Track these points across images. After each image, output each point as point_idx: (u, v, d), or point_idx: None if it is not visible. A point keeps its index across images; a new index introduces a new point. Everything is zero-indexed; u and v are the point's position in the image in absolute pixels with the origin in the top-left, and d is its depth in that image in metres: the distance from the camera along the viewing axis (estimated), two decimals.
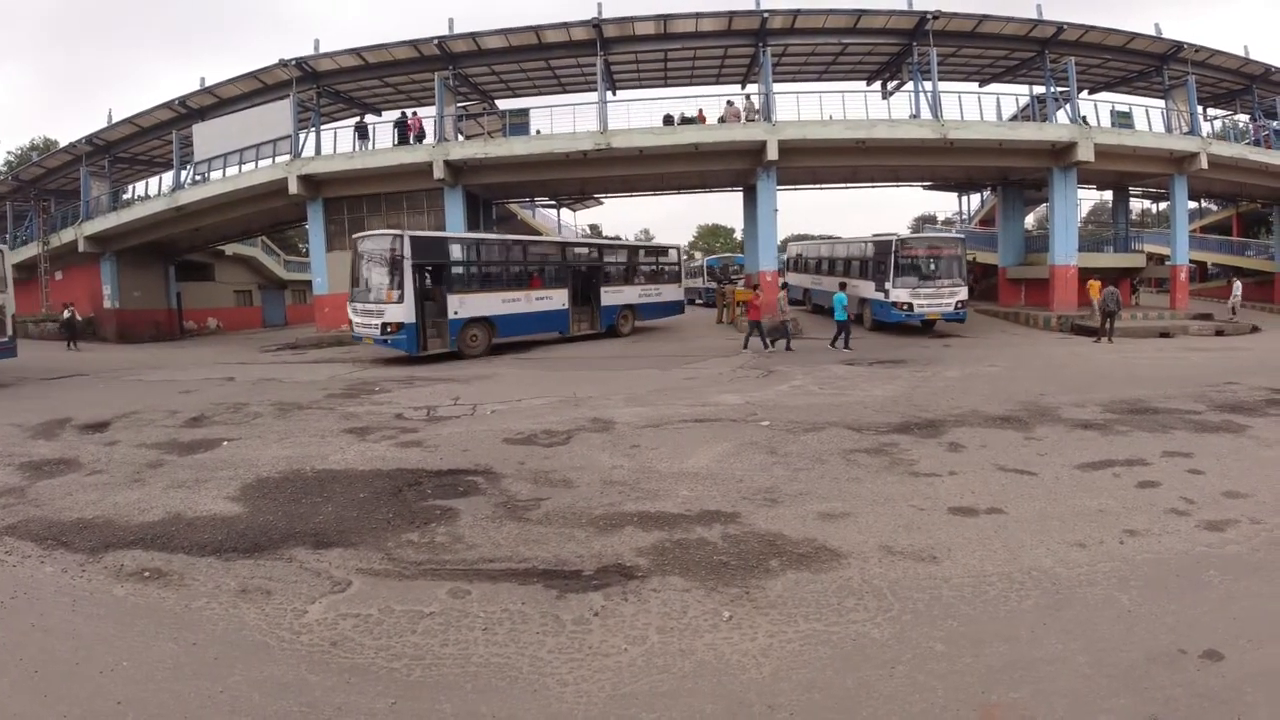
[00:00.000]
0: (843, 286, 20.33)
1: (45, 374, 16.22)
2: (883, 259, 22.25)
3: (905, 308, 21.53)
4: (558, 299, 20.83)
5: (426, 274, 17.56)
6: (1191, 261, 29.81)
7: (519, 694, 3.19)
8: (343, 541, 5.09)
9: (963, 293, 21.98)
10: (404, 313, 16.55)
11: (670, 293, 25.86)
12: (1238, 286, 26.49)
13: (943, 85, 24.30)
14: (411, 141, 25.82)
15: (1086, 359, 15.45)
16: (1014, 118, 27.40)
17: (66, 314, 25.35)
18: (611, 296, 22.87)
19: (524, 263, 20.66)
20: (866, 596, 4.05)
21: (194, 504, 6.07)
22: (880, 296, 22.34)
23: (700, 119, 25.19)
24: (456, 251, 18.86)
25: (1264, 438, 7.70)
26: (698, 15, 23.44)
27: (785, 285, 26.25)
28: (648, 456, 7.32)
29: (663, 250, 27.66)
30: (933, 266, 22.08)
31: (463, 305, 17.87)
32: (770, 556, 4.63)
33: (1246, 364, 14.03)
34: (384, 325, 16.68)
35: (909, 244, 22.48)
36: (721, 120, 25.12)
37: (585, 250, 23.93)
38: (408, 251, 16.56)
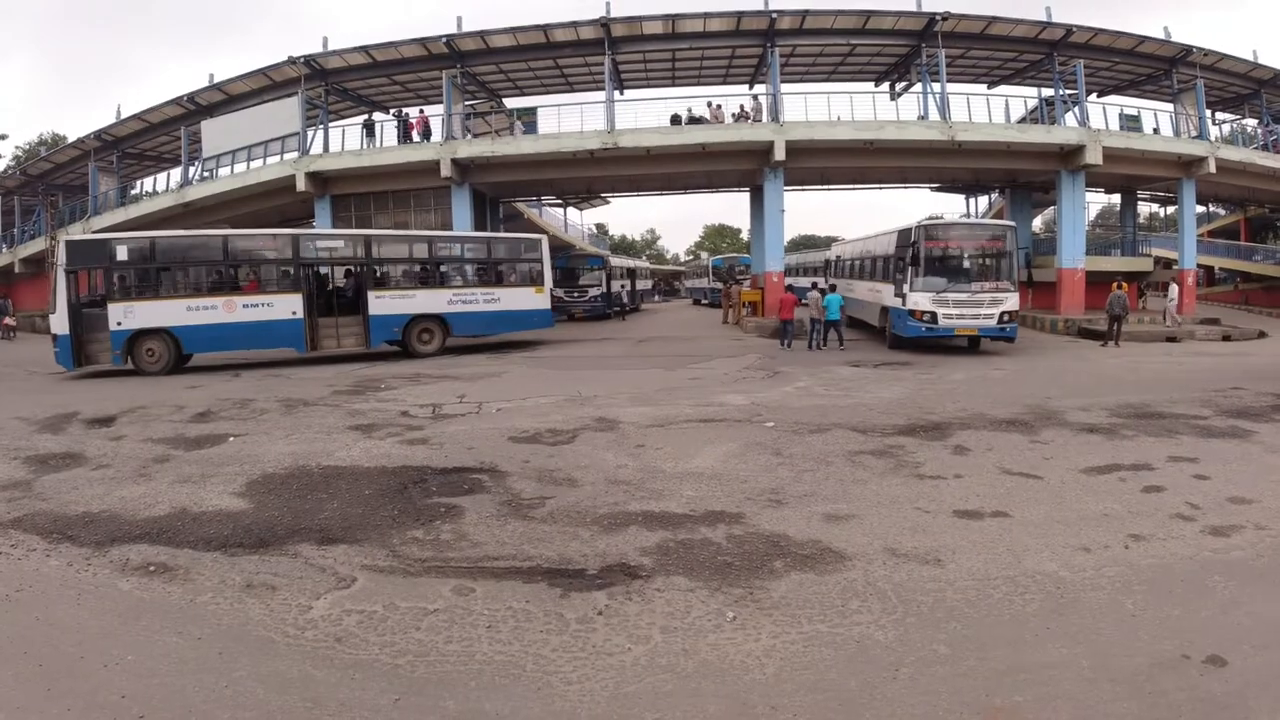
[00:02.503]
0: (833, 288, 19.73)
1: (51, 368, 16.26)
2: (902, 254, 17.23)
3: (926, 318, 16.34)
4: (283, 306, 16.56)
5: (98, 281, 16.11)
6: (1199, 266, 29.62)
7: (522, 691, 3.20)
8: (348, 538, 5.10)
9: (1011, 300, 16.52)
10: (58, 324, 15.09)
11: (520, 299, 19.25)
12: (1173, 290, 24.06)
13: (951, 87, 24.30)
14: (416, 139, 25.90)
15: (1093, 363, 15.41)
16: (1022, 120, 27.35)
17: None
18: (392, 303, 17.71)
19: (224, 262, 16.83)
20: (870, 599, 4.05)
21: (200, 499, 6.09)
22: (898, 303, 17.26)
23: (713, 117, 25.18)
24: (121, 253, 16.06)
25: (1270, 443, 7.67)
26: (706, 15, 23.47)
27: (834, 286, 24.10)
28: (652, 456, 7.33)
29: (517, 241, 21.31)
30: (968, 264, 17.08)
31: (129, 315, 15.53)
32: (774, 557, 4.63)
33: (1253, 369, 13.96)
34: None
35: (935, 232, 17.13)
36: (697, 120, 25.04)
37: (338, 243, 18.52)
38: (62, 258, 15.23)
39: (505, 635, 3.71)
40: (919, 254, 16.49)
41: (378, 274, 17.98)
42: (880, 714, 3.00)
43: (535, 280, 19.57)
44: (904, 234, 17.39)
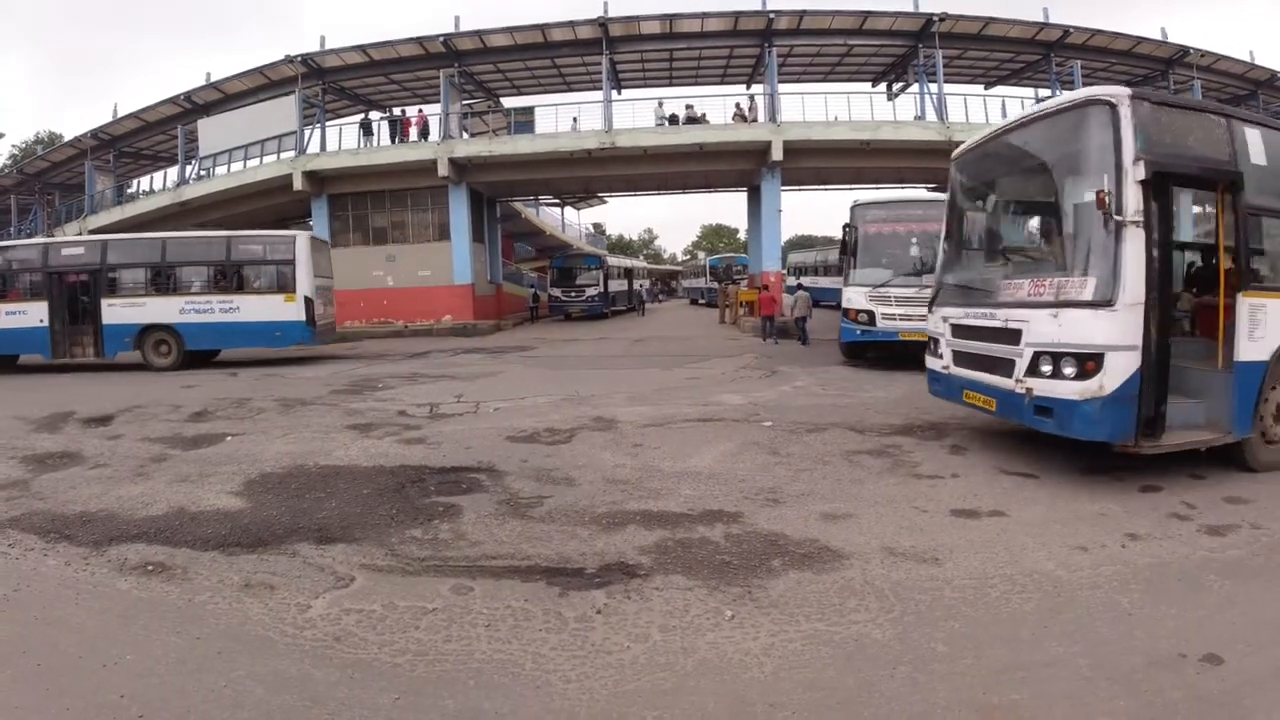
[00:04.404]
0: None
1: (47, 366, 16.26)
2: (845, 242, 14.26)
3: (862, 319, 13.53)
4: (34, 314, 16.62)
5: None
6: None
7: (521, 690, 3.20)
8: (346, 537, 5.10)
9: None
10: None
11: (264, 308, 16.71)
12: None
13: (948, 87, 24.39)
14: (414, 137, 25.91)
15: None
16: None
17: None
18: (123, 312, 16.67)
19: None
20: (868, 597, 4.06)
21: (197, 498, 6.08)
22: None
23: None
24: None
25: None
26: (703, 15, 23.53)
27: (800, 285, 23.79)
28: (650, 455, 7.33)
29: (264, 240, 18.00)
30: (918, 251, 13.58)
31: None
32: (772, 556, 4.64)
33: None
34: None
35: (873, 212, 14.17)
36: (664, 120, 25.10)
37: (79, 250, 17.49)
38: None
39: (504, 634, 3.71)
40: (855, 239, 13.71)
41: (111, 280, 16.93)
42: (878, 712, 3.01)
43: (285, 286, 16.79)
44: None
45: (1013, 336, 6.40)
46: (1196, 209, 8.29)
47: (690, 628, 3.75)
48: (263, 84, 26.73)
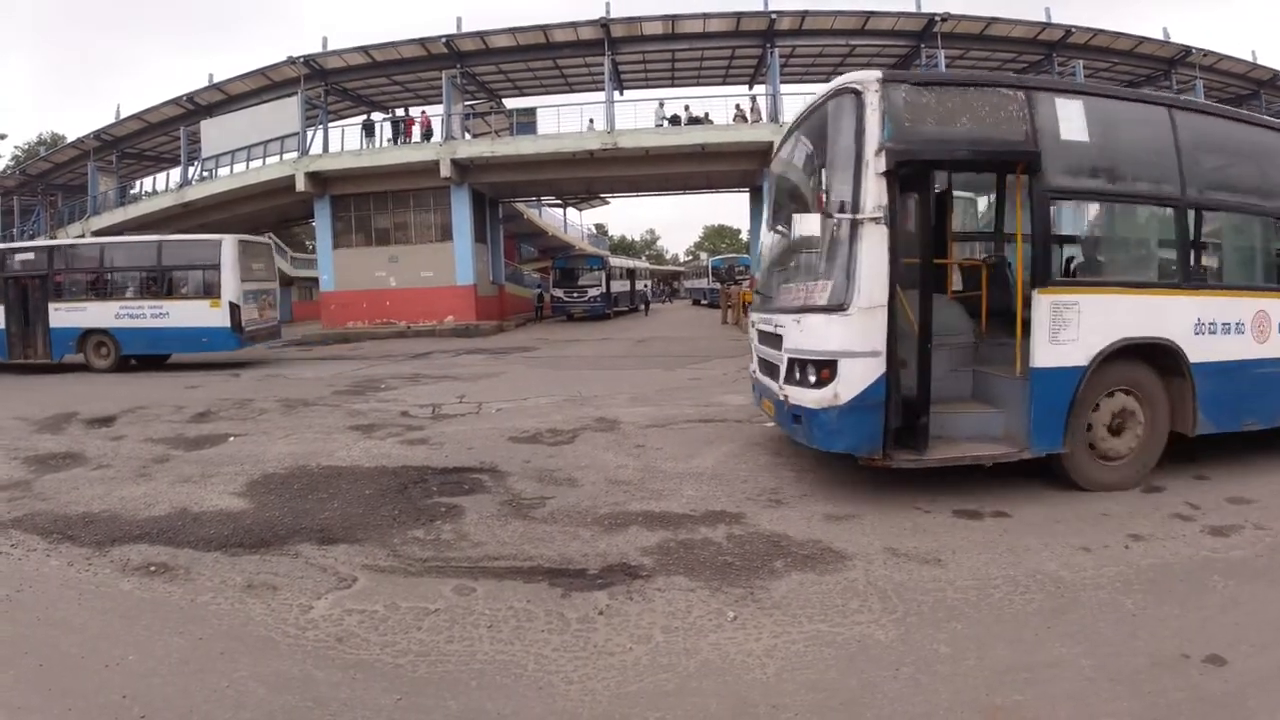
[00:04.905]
0: None
1: (48, 367, 16.28)
2: None
3: None
4: None
5: None
6: None
7: (524, 691, 3.20)
8: (348, 538, 5.10)
9: None
10: None
11: (191, 314, 16.53)
12: None
13: None
14: (417, 138, 25.95)
15: None
16: None
17: None
18: (67, 316, 16.94)
19: None
20: (871, 598, 4.05)
21: (200, 499, 6.09)
22: None
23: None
24: None
25: (1271, 444, 7.66)
26: (705, 16, 23.54)
27: None
28: (652, 456, 7.33)
29: (190, 245, 17.73)
30: None
31: None
32: (775, 557, 4.63)
33: None
34: None
35: None
36: (665, 120, 25.12)
37: (30, 255, 17.72)
38: None
39: (506, 635, 3.71)
40: None
41: (58, 285, 17.25)
42: (881, 713, 3.00)
43: (211, 292, 16.46)
44: None
45: (778, 342, 6.08)
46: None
47: (693, 629, 3.75)
48: (265, 85, 26.78)
